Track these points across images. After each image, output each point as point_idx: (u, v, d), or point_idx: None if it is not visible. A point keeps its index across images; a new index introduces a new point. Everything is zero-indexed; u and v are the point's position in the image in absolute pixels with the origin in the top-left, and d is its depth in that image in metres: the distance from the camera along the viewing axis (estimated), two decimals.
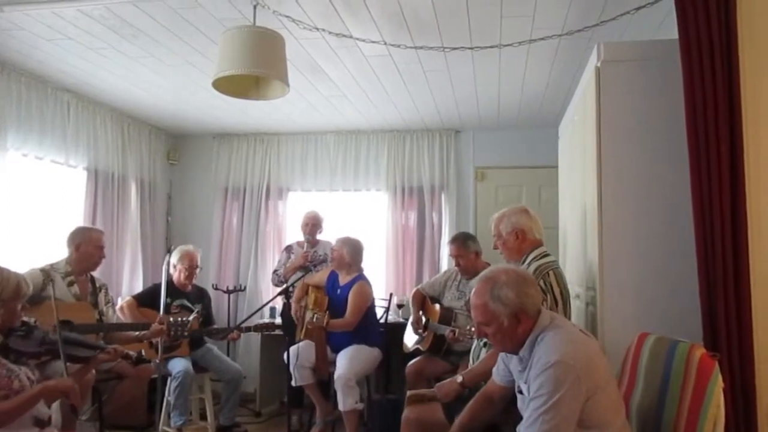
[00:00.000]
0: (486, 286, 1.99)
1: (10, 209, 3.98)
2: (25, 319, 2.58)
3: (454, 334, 3.68)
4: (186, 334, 3.79)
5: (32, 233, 4.24)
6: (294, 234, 5.38)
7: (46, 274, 3.45)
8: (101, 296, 3.74)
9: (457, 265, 3.94)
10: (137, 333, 3.67)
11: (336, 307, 4.07)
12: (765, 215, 2.14)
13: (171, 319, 3.70)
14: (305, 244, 4.94)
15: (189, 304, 4.30)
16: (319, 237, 5.01)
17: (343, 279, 4.18)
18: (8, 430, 2.19)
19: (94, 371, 3.08)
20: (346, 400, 3.80)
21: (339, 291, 4.16)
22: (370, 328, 4.16)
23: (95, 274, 3.82)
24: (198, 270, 4.43)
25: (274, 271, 5.03)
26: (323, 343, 4.05)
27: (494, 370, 2.33)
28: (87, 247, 3.63)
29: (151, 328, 3.60)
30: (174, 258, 4.35)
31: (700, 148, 2.15)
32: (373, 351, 4.07)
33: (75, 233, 3.68)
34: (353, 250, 4.17)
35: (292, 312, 4.23)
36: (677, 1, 2.24)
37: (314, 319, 3.81)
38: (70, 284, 3.57)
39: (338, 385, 3.82)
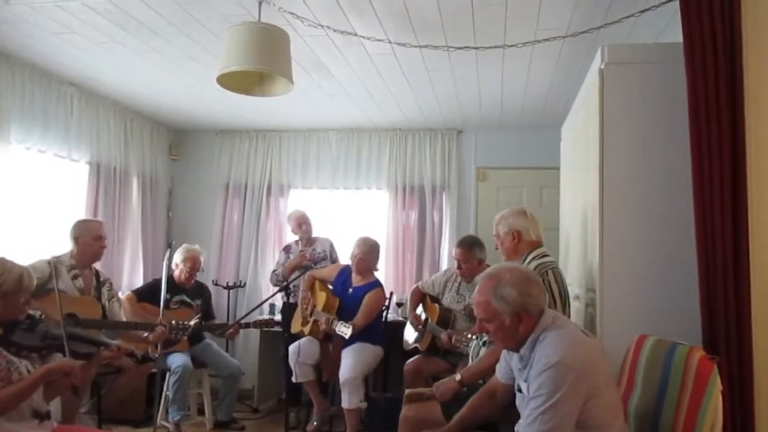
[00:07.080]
0: (490, 284, 2.00)
1: (12, 202, 3.98)
2: (30, 312, 2.56)
3: (450, 339, 3.63)
4: (186, 333, 3.82)
5: (34, 227, 4.24)
6: None
7: (53, 266, 3.42)
8: (104, 290, 3.73)
9: (459, 267, 3.93)
10: (145, 334, 3.66)
11: (346, 307, 4.06)
12: (766, 218, 2.14)
13: (173, 321, 3.70)
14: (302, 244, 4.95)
15: (188, 300, 4.31)
16: (315, 234, 5.00)
17: (357, 281, 4.17)
18: (7, 422, 2.19)
19: None
20: (351, 399, 3.82)
21: (351, 291, 4.15)
22: (374, 326, 4.15)
23: (99, 268, 3.82)
24: (200, 272, 4.44)
25: (273, 271, 5.02)
26: (339, 351, 4.03)
27: (497, 367, 2.34)
28: (85, 239, 3.62)
29: (154, 332, 3.59)
30: (178, 257, 4.35)
31: (703, 151, 2.16)
32: (376, 349, 4.09)
33: (73, 226, 3.68)
34: (377, 254, 4.21)
35: (299, 301, 4.25)
36: (682, 4, 2.25)
37: (337, 330, 3.80)
38: (75, 277, 3.57)
39: (345, 385, 3.82)
